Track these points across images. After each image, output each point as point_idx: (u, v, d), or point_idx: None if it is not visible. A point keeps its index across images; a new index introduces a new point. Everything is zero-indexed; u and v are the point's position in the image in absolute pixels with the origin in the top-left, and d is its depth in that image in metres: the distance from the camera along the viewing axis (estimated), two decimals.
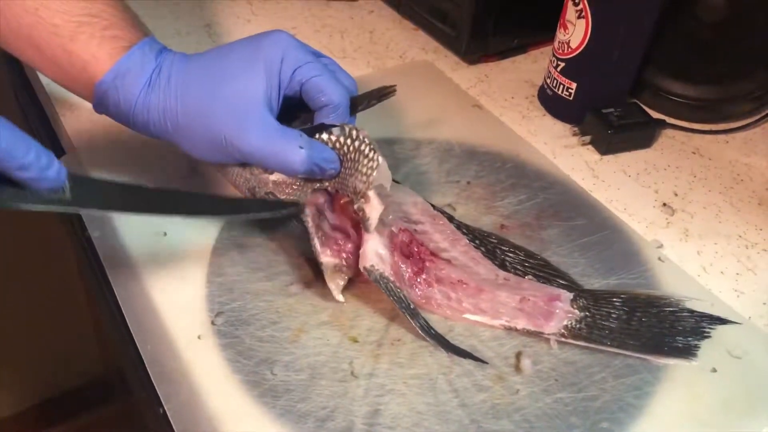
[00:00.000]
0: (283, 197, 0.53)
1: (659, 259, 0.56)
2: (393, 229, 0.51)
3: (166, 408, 0.44)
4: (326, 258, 0.51)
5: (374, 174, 0.49)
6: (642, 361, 0.48)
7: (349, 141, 0.50)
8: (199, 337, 0.48)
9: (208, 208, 0.53)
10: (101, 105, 0.51)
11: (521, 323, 0.49)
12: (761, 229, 0.61)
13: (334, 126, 0.51)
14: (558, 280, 0.53)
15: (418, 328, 0.48)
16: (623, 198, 0.63)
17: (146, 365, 0.46)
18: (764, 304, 0.54)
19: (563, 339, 0.49)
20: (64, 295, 1.15)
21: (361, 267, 0.49)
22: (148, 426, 0.49)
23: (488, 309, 0.50)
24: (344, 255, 0.51)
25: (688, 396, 0.47)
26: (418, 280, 0.51)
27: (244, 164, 0.53)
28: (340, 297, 0.50)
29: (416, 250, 0.52)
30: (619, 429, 0.44)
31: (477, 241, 0.55)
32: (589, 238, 0.57)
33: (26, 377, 1.38)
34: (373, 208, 0.49)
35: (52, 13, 0.48)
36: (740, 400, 0.47)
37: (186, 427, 0.43)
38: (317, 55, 0.53)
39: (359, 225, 0.50)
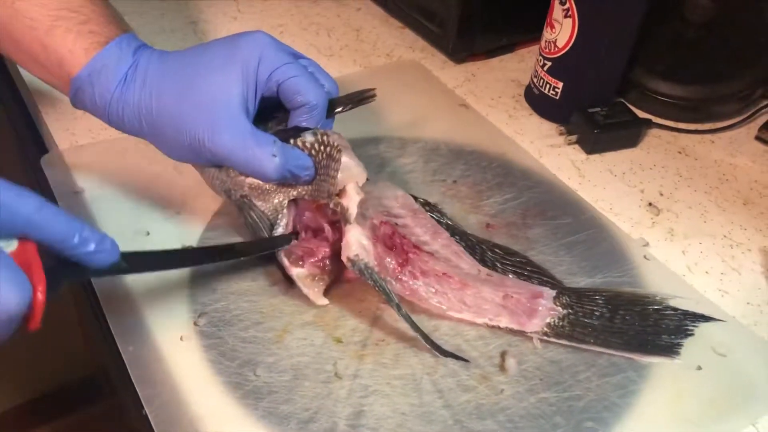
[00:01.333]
0: (258, 202, 0.52)
1: (645, 257, 0.56)
2: (374, 221, 0.51)
3: (147, 410, 0.43)
4: (297, 269, 0.50)
5: (339, 176, 0.49)
6: (627, 360, 0.48)
7: (321, 147, 0.50)
8: (181, 338, 0.48)
9: (230, 254, 0.52)
10: (78, 100, 0.50)
11: (504, 321, 0.49)
12: (746, 229, 0.61)
13: (308, 130, 0.50)
14: (539, 277, 0.53)
15: (403, 319, 0.47)
16: (609, 197, 0.63)
17: (127, 366, 0.46)
18: (748, 303, 0.54)
19: (546, 338, 0.49)
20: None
21: (344, 258, 0.48)
22: (134, 426, 0.48)
23: (472, 304, 0.50)
24: (321, 260, 0.50)
25: (673, 394, 0.47)
26: (404, 272, 0.50)
27: (219, 166, 0.53)
28: (322, 301, 0.50)
29: (399, 242, 0.51)
30: (604, 428, 0.44)
31: (457, 236, 0.55)
32: (574, 236, 0.57)
33: (10, 377, 1.36)
34: (351, 200, 0.49)
35: (29, 6, 0.48)
36: (725, 398, 0.47)
37: (168, 429, 0.42)
38: (297, 56, 0.53)
39: (335, 224, 0.50)
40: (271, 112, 0.53)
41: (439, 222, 0.55)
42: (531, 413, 0.45)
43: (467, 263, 0.52)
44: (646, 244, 0.58)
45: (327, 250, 0.50)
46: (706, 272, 0.57)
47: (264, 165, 0.48)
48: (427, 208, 0.57)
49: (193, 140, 0.48)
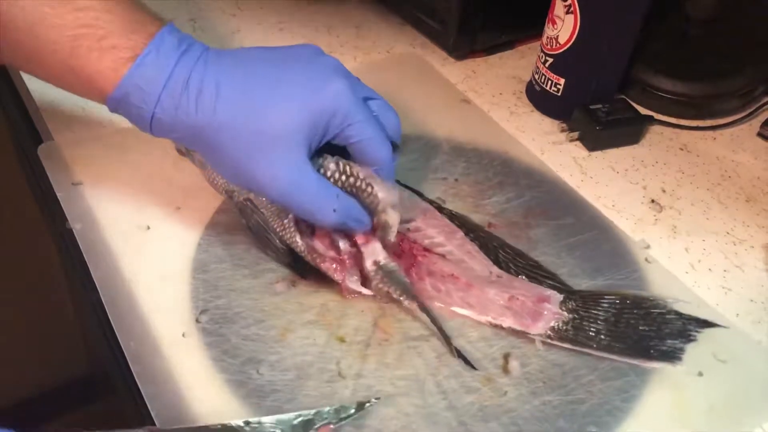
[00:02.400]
0: (262, 209, 0.52)
1: (646, 260, 0.56)
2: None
3: (149, 408, 0.43)
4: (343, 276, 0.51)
5: (379, 204, 0.49)
6: (629, 364, 0.48)
7: (344, 177, 0.49)
8: (183, 335, 0.47)
9: None
10: (120, 113, 0.48)
11: (508, 322, 0.49)
12: (749, 226, 0.61)
13: (331, 156, 0.49)
14: (548, 281, 0.52)
15: (428, 318, 0.48)
16: (611, 194, 0.63)
17: (129, 364, 0.45)
18: (751, 301, 0.54)
19: (549, 341, 0.49)
20: (44, 290, 1.13)
21: (369, 263, 0.49)
22: (132, 426, 0.48)
23: (476, 304, 0.50)
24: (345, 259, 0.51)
25: (675, 399, 0.46)
26: (410, 274, 0.51)
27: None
28: (365, 290, 0.51)
29: (408, 247, 0.52)
30: None
31: (471, 234, 0.54)
32: (576, 237, 0.57)
33: (5, 376, 1.36)
34: (392, 218, 0.49)
35: (47, 29, 0.44)
36: (726, 404, 0.47)
37: (170, 427, 0.42)
38: (368, 97, 0.51)
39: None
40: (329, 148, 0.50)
41: (450, 219, 0.55)
42: (535, 416, 0.44)
43: (480, 264, 0.52)
44: (648, 247, 0.58)
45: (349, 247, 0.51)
46: (709, 269, 0.57)
47: (322, 218, 0.47)
48: (434, 205, 0.57)
49: (250, 174, 0.46)
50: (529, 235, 0.57)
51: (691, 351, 0.49)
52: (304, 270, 0.52)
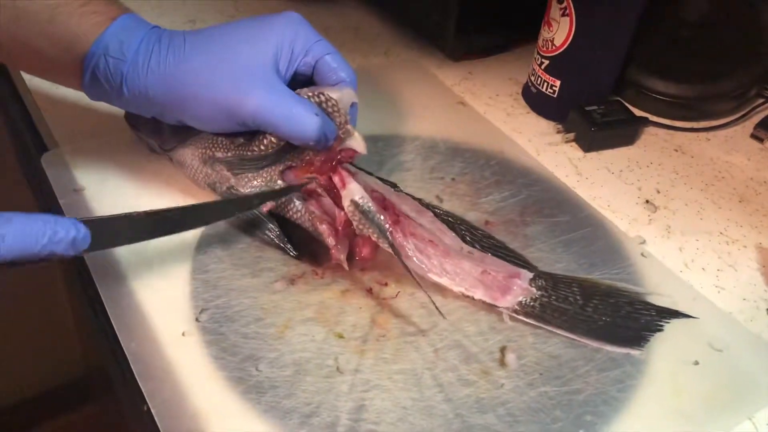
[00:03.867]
0: (246, 191, 0.53)
1: (642, 254, 0.56)
2: (365, 189, 0.52)
3: (150, 405, 0.43)
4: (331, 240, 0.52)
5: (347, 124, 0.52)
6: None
7: (316, 99, 0.51)
8: (183, 334, 0.48)
9: (210, 215, 0.53)
10: (93, 83, 0.50)
11: (479, 294, 0.50)
12: (741, 226, 0.62)
13: (303, 89, 0.52)
14: (516, 260, 0.54)
15: (399, 261, 0.49)
16: (606, 195, 0.64)
17: (130, 363, 0.46)
18: (744, 299, 0.55)
19: (515, 315, 0.50)
20: (42, 291, 1.13)
21: (346, 203, 0.50)
22: (129, 426, 0.48)
23: (451, 272, 0.51)
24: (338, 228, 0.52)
25: (671, 388, 0.47)
26: (396, 229, 0.51)
27: (204, 160, 0.53)
28: (344, 262, 0.52)
29: (390, 205, 0.53)
30: (602, 422, 0.45)
31: (440, 218, 0.55)
32: (572, 234, 0.58)
33: (1, 376, 1.36)
34: (356, 138, 0.52)
35: (28, 3, 0.47)
36: (722, 393, 0.47)
37: (170, 425, 0.43)
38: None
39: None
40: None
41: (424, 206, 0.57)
42: (531, 407, 0.45)
43: (450, 239, 0.53)
44: (643, 242, 0.59)
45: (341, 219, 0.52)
46: (703, 269, 0.57)
47: (306, 123, 0.49)
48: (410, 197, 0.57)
49: (232, 102, 0.48)
50: (525, 232, 0.57)
51: (688, 340, 0.50)
52: (296, 247, 0.53)
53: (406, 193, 0.56)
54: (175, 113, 0.51)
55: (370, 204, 0.49)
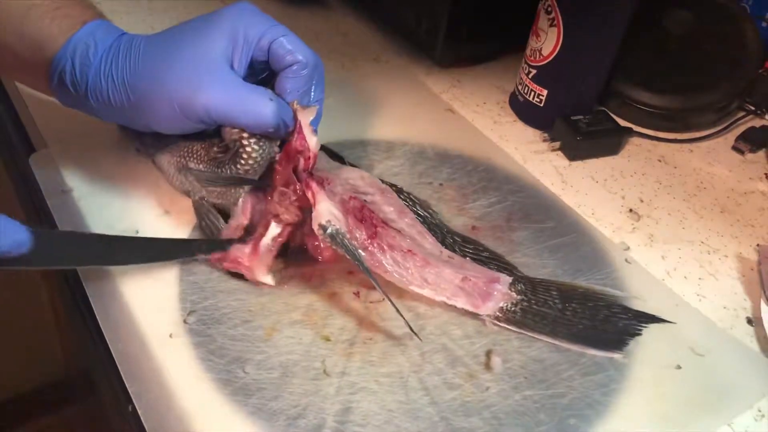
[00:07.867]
0: (217, 201, 0.54)
1: (626, 261, 0.57)
2: (344, 196, 0.52)
3: (136, 406, 0.43)
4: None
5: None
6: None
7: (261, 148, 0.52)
8: (170, 336, 0.48)
9: (161, 253, 0.53)
10: (59, 86, 0.50)
11: (460, 302, 0.51)
12: (722, 236, 0.63)
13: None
14: (496, 262, 0.54)
15: (375, 285, 0.48)
16: (591, 203, 0.65)
17: (117, 364, 0.46)
18: (725, 308, 0.56)
19: (497, 322, 0.50)
20: (22, 291, 1.12)
21: (315, 226, 0.48)
22: (113, 427, 0.48)
23: (433, 282, 0.51)
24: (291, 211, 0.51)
25: (654, 392, 0.48)
26: (372, 243, 0.51)
27: (179, 168, 0.54)
28: (267, 279, 0.51)
29: (368, 215, 0.52)
30: (586, 425, 0.45)
31: (420, 219, 0.56)
32: (558, 240, 0.58)
33: None
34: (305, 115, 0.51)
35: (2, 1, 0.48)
36: (704, 397, 0.48)
37: (156, 426, 0.43)
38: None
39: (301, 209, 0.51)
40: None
41: (405, 202, 0.57)
42: (516, 410, 0.46)
43: (430, 244, 0.54)
44: (627, 248, 0.60)
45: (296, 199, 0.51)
46: (685, 277, 0.58)
47: (262, 109, 0.49)
48: (395, 189, 0.58)
49: (184, 100, 0.48)
50: (512, 237, 0.58)
51: (670, 345, 0.51)
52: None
53: (391, 184, 0.56)
54: (139, 119, 0.51)
55: (338, 227, 0.48)
